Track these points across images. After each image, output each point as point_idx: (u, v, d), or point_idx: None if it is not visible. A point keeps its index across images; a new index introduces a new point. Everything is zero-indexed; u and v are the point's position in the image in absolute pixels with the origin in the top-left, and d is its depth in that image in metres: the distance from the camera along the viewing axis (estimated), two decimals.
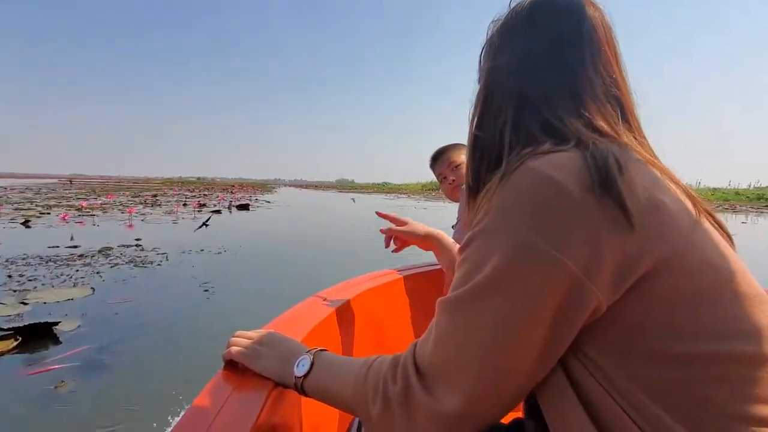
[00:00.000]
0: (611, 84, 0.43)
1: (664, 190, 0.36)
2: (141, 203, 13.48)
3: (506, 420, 0.44)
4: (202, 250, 5.14)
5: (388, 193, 46.13)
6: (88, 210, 10.14)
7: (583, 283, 0.32)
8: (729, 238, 0.40)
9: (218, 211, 11.69)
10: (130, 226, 7.78)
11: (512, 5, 0.47)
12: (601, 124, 0.40)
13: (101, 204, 12.56)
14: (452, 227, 1.41)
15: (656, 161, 0.41)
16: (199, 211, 11.49)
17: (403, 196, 35.55)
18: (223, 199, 17.51)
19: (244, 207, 13.52)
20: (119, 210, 10.37)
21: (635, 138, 0.43)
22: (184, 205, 13.25)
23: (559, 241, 0.33)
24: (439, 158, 1.38)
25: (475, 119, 0.47)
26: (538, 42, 0.43)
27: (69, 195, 16.92)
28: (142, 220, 8.47)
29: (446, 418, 0.36)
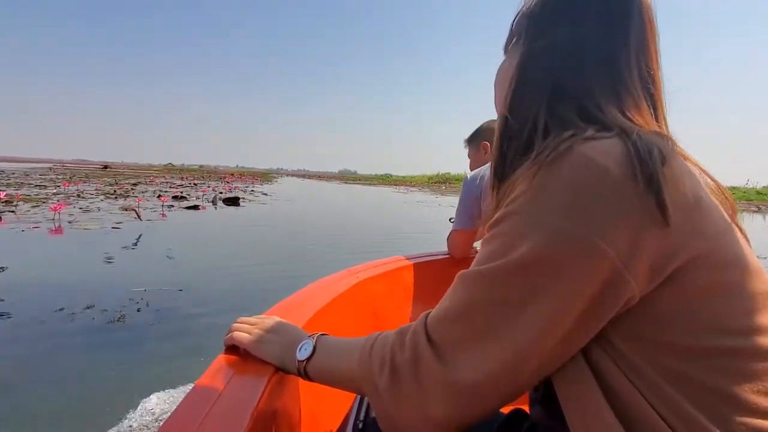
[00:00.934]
0: (649, 80, 0.42)
1: (702, 186, 0.37)
2: (104, 194, 10.78)
3: (506, 410, 0.45)
4: (92, 319, 2.43)
5: (395, 185, 43.66)
6: (11, 204, 7.44)
7: (621, 273, 0.32)
8: (746, 236, 0.41)
9: (195, 207, 8.98)
10: (58, 229, 5.21)
11: None
12: (638, 118, 0.40)
13: (49, 195, 9.86)
14: (450, 220, 1.42)
15: (690, 157, 0.41)
16: (170, 206, 8.80)
17: (413, 189, 32.93)
18: (207, 191, 14.42)
19: (232, 201, 10.66)
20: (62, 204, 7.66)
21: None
22: (159, 197, 10.48)
23: (601, 228, 0.32)
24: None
25: (507, 101, 0.45)
26: (583, 28, 0.42)
27: (29, 182, 14.26)
28: (70, 222, 5.79)
29: (461, 389, 0.36)
